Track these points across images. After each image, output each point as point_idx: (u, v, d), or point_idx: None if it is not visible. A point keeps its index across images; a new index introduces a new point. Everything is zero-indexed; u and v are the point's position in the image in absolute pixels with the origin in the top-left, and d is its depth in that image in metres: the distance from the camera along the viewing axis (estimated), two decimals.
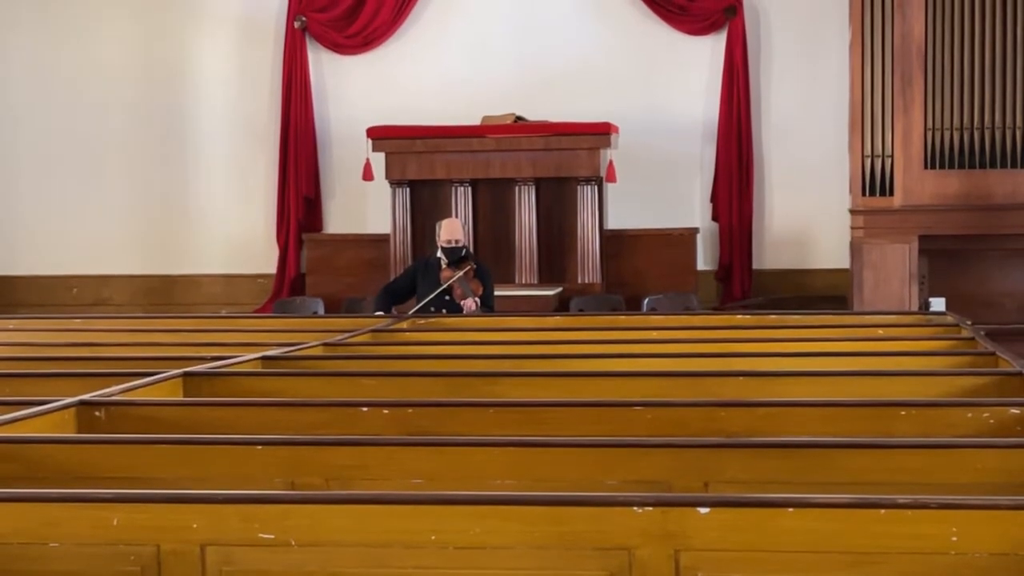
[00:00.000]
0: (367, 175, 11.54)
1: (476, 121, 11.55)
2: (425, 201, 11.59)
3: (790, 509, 2.93)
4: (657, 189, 12.12)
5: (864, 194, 10.68)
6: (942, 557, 2.88)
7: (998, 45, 10.51)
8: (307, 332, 7.37)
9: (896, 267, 10.63)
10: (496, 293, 9.65)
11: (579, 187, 11.33)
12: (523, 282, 11.30)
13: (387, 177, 11.49)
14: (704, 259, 12.09)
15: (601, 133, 11.27)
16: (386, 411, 4.57)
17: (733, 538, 2.94)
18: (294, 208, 12.47)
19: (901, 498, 2.93)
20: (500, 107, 11.64)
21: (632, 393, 5.00)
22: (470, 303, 9.13)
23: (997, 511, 2.88)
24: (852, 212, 10.84)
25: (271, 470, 3.89)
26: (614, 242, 11.63)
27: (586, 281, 11.32)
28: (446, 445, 3.91)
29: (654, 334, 7.34)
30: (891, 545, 2.89)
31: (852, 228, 10.88)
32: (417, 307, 9.10)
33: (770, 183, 12.18)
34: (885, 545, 2.89)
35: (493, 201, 11.59)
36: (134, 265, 12.84)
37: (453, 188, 11.43)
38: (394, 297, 9.48)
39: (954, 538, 2.86)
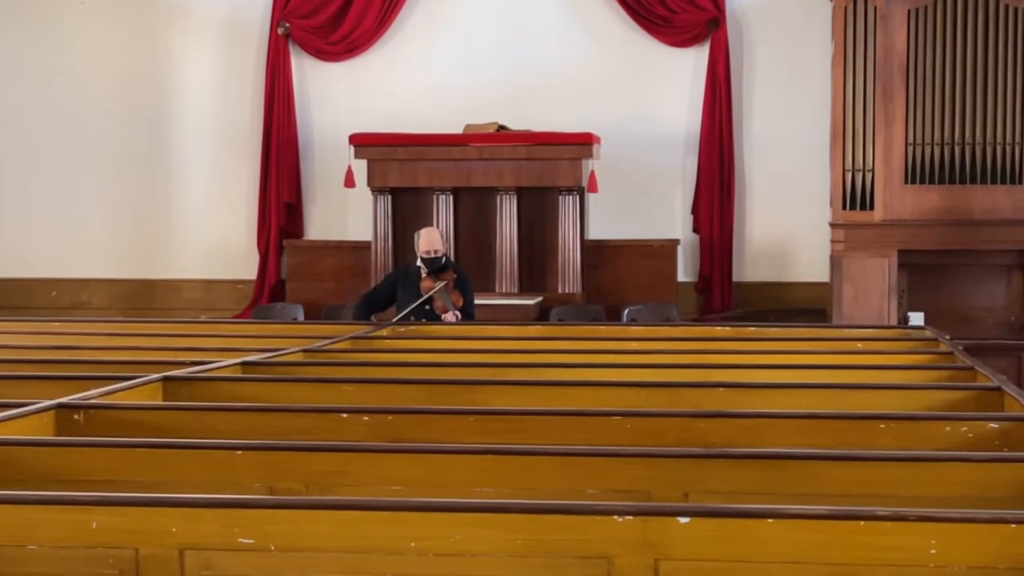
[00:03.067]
0: (349, 182, 11.52)
1: (459, 129, 11.55)
2: (407, 209, 11.59)
3: (770, 520, 2.94)
4: (638, 200, 12.14)
5: (845, 208, 10.70)
6: (921, 570, 2.89)
7: (980, 61, 10.55)
8: (287, 338, 7.36)
9: (876, 281, 10.66)
10: (476, 302, 9.65)
11: (561, 197, 11.34)
12: (503, 291, 11.31)
13: (369, 184, 11.48)
14: (684, 271, 12.11)
15: (583, 143, 11.28)
16: (366, 418, 4.57)
17: (713, 548, 2.94)
18: (275, 214, 12.44)
19: (880, 510, 2.94)
20: (483, 116, 11.64)
21: (612, 403, 5.00)
22: (450, 316, 9.11)
23: (976, 524, 2.89)
24: (832, 226, 10.87)
25: (250, 475, 3.88)
26: (595, 252, 11.64)
27: (566, 291, 11.33)
28: (426, 452, 3.91)
29: (634, 344, 7.36)
30: (870, 557, 2.89)
31: (832, 242, 10.91)
32: (398, 317, 9.09)
33: (751, 196, 12.20)
34: (864, 557, 2.90)
35: (475, 210, 11.60)
36: (114, 269, 12.79)
37: (435, 196, 11.43)
38: (374, 306, 9.47)
39: (933, 551, 2.87)
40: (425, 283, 9.21)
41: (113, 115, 12.75)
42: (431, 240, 9.39)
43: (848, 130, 10.63)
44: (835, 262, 10.84)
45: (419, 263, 9.35)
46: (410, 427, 4.52)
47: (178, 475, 3.89)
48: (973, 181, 10.59)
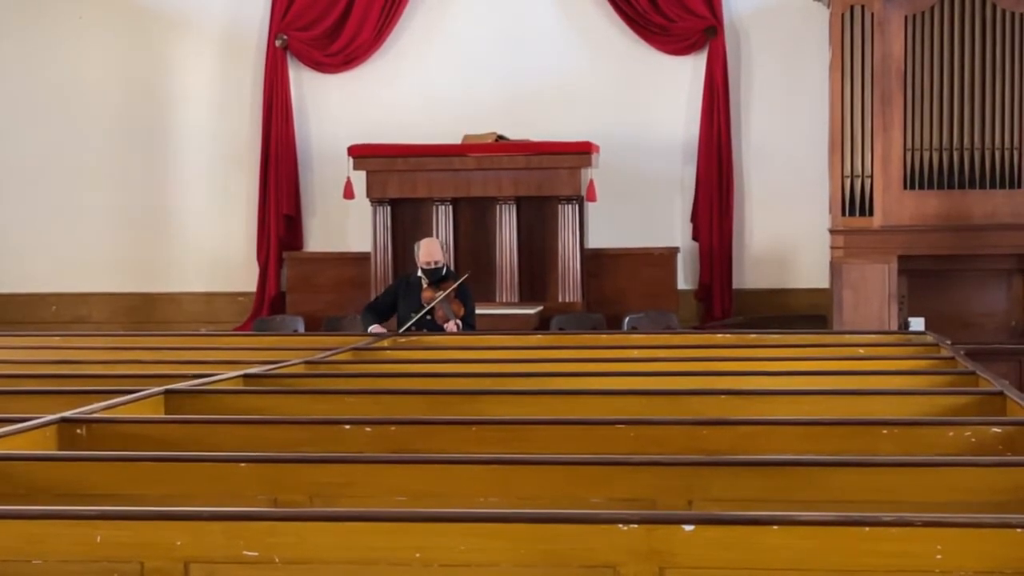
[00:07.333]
0: (348, 193, 11.53)
1: (457, 139, 11.56)
2: (406, 219, 11.59)
3: (775, 527, 2.93)
4: (638, 208, 12.14)
5: (844, 214, 10.70)
6: (926, 575, 2.89)
7: (977, 65, 10.55)
8: (288, 350, 7.36)
9: (876, 287, 10.65)
10: (477, 311, 9.64)
11: (560, 206, 11.35)
12: (504, 300, 11.31)
13: (368, 195, 11.49)
14: (684, 278, 12.11)
15: (582, 152, 11.28)
16: (369, 428, 4.57)
17: (719, 555, 2.94)
18: (274, 226, 12.45)
19: (886, 516, 2.94)
20: (481, 126, 11.65)
21: (614, 411, 5.00)
22: (451, 326, 9.11)
23: (981, 529, 2.88)
24: (832, 232, 10.86)
25: (254, 487, 3.88)
26: (595, 261, 11.64)
27: (567, 300, 11.33)
28: (430, 463, 3.91)
29: (635, 353, 7.35)
30: (876, 563, 2.89)
31: (832, 248, 10.90)
32: (402, 330, 9.08)
33: (750, 203, 12.20)
34: (870, 563, 2.89)
35: (474, 220, 11.60)
36: (114, 283, 12.79)
37: (434, 206, 11.44)
38: (377, 315, 9.46)
39: (938, 556, 2.87)
40: (426, 293, 9.20)
41: (112, 129, 12.76)
42: (431, 251, 9.39)
43: (846, 136, 10.63)
44: (835, 268, 10.84)
45: (419, 274, 9.35)
46: (413, 437, 4.52)
47: (182, 488, 3.88)
48: (972, 186, 10.59)
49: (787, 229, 12.10)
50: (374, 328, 9.10)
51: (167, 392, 5.36)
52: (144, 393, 5.24)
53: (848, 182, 10.65)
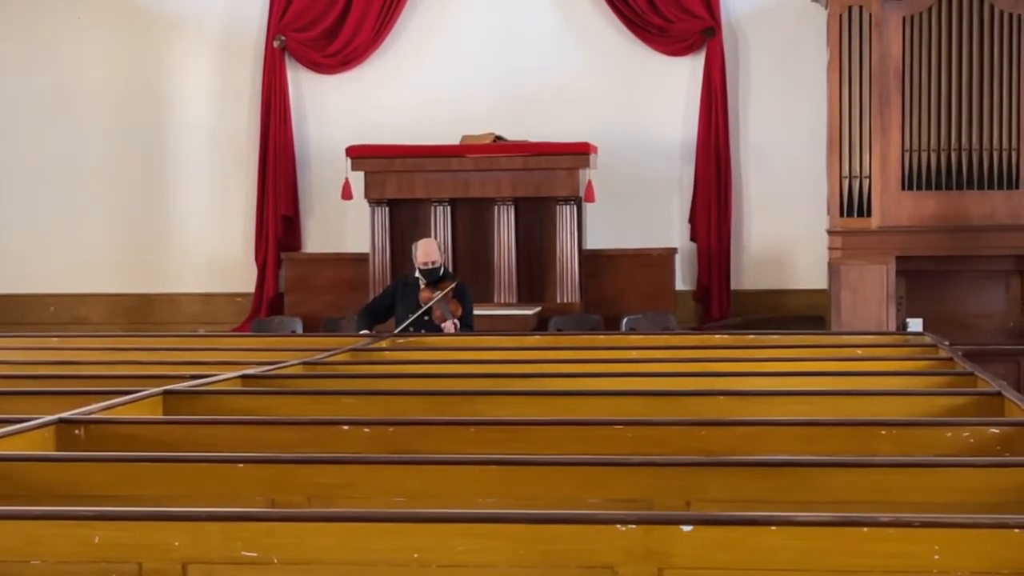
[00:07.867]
0: (346, 194, 11.53)
1: (455, 140, 11.56)
2: (404, 220, 11.59)
3: (773, 527, 2.93)
4: (636, 209, 12.14)
5: (842, 215, 10.69)
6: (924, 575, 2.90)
7: (975, 66, 10.55)
8: (286, 351, 7.36)
9: (874, 288, 10.65)
10: (475, 312, 9.65)
11: (558, 207, 11.35)
12: (502, 301, 11.31)
13: (366, 196, 11.49)
14: (683, 279, 12.11)
15: (580, 153, 11.29)
16: (367, 429, 4.57)
17: (716, 556, 2.94)
18: (272, 227, 12.44)
19: (883, 516, 2.94)
20: (479, 126, 11.65)
21: (612, 412, 5.00)
22: (449, 326, 9.12)
23: (979, 529, 2.88)
24: (830, 233, 10.86)
25: (252, 488, 3.88)
26: (593, 262, 11.65)
27: (565, 301, 11.33)
28: (428, 463, 3.91)
29: (633, 354, 7.35)
30: (874, 564, 2.89)
31: (830, 249, 10.90)
32: (398, 330, 9.09)
33: (748, 203, 12.21)
34: (868, 564, 2.89)
35: (472, 220, 11.61)
36: (112, 284, 12.79)
37: (432, 207, 11.44)
38: (374, 317, 9.47)
39: (936, 556, 2.87)
40: (424, 294, 9.21)
41: (110, 130, 12.76)
42: (428, 251, 9.39)
43: (844, 137, 10.62)
44: (833, 269, 10.84)
45: (417, 274, 9.36)
46: (411, 438, 4.52)
47: (180, 489, 3.88)
48: (970, 187, 10.59)
49: (785, 230, 12.10)
50: (364, 334, 9.09)
51: (165, 393, 5.36)
52: (142, 394, 5.24)
53: (846, 183, 10.65)
